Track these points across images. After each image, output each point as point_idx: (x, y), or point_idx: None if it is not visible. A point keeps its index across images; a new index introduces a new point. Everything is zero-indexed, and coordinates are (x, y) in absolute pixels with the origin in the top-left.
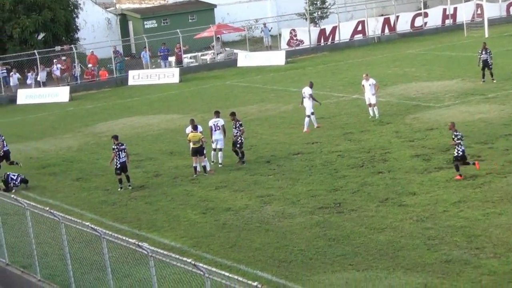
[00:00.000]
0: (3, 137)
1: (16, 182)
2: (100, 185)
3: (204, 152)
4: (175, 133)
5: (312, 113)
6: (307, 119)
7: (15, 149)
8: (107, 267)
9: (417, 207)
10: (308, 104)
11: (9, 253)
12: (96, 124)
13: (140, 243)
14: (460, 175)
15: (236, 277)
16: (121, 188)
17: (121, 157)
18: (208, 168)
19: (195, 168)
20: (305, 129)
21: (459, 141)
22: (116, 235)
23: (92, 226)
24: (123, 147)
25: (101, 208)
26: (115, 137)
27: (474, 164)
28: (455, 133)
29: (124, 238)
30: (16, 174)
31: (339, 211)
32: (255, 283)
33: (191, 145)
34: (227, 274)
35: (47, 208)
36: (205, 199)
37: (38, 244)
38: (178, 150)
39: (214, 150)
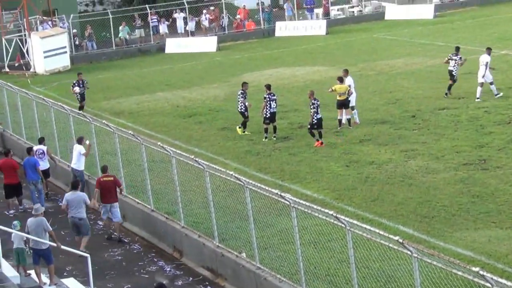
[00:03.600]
0: None
1: None
2: (245, 135)
3: (350, 104)
4: (320, 85)
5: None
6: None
7: (163, 97)
8: (250, 216)
9: None
10: (485, 72)
11: (154, 200)
12: (242, 74)
13: (282, 194)
14: (318, 140)
15: (377, 230)
16: (266, 138)
17: (272, 106)
18: (357, 121)
19: (340, 120)
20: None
21: (314, 109)
22: (259, 185)
23: (236, 175)
24: (275, 97)
25: (245, 157)
26: (268, 86)
27: (317, 140)
28: (312, 101)
29: (267, 188)
30: None
31: (484, 168)
32: (396, 238)
33: (337, 97)
34: (368, 227)
35: (193, 156)
36: (348, 152)
37: (183, 192)
38: (323, 102)
39: None
